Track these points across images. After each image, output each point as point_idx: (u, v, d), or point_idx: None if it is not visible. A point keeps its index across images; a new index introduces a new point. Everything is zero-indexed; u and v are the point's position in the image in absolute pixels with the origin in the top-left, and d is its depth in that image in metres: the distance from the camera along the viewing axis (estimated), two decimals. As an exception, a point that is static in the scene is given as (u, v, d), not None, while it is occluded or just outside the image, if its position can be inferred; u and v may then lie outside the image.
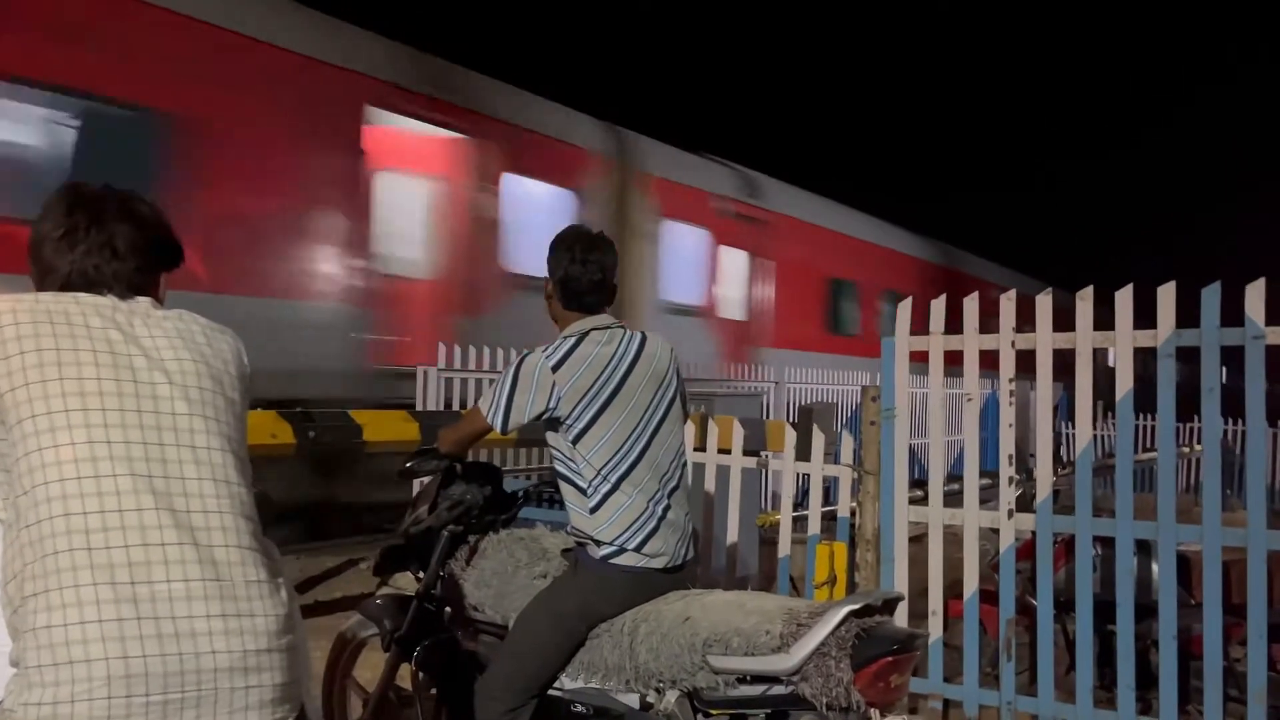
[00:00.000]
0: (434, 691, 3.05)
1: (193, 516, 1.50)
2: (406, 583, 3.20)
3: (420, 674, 3.04)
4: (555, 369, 2.76)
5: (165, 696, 1.40)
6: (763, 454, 5.52)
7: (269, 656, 1.50)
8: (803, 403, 10.70)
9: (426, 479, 3.15)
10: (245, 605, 1.49)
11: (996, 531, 4.33)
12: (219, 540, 1.51)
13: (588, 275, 2.88)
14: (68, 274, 1.65)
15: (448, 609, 3.10)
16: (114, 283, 1.66)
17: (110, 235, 1.67)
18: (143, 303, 1.66)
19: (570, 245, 2.90)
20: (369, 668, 3.31)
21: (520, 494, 3.22)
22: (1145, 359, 4.08)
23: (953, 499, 4.47)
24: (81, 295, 1.62)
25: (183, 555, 1.46)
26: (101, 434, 1.48)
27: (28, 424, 1.47)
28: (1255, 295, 3.76)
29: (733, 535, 4.97)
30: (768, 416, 9.79)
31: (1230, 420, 10.97)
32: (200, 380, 1.61)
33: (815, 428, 4.95)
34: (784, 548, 4.88)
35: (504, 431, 2.85)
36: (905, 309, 4.58)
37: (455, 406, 6.78)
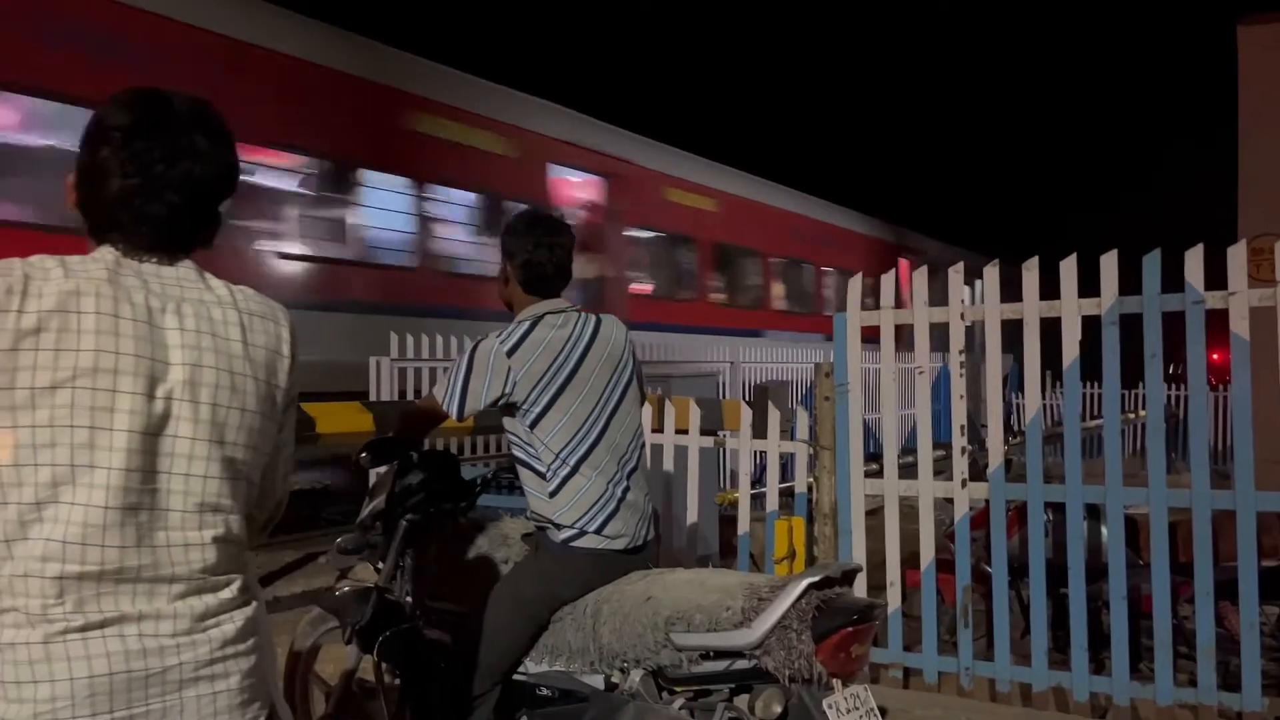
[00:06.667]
0: (397, 682, 3.04)
1: (171, 534, 1.44)
2: (365, 574, 3.18)
3: (383, 665, 3.02)
4: (510, 354, 2.74)
5: (130, 712, 1.37)
6: (720, 433, 5.55)
7: (235, 661, 1.48)
8: (757, 381, 10.76)
9: (383, 469, 3.13)
10: (212, 616, 1.46)
11: (951, 501, 4.40)
12: (185, 558, 1.46)
13: (553, 259, 2.87)
14: (111, 212, 1.43)
15: (408, 599, 3.09)
16: (159, 241, 1.43)
17: (186, 171, 1.42)
18: (180, 277, 1.45)
19: (534, 228, 2.88)
20: (330, 661, 3.29)
21: (478, 481, 3.21)
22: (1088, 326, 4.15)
23: (907, 471, 4.53)
24: (124, 262, 1.42)
25: (151, 574, 1.42)
26: (85, 456, 1.38)
27: (24, 433, 1.37)
28: (1194, 261, 3.84)
29: (693, 515, 5.00)
30: (723, 396, 9.83)
31: (1171, 385, 11.25)
32: (216, 395, 1.46)
33: (770, 405, 4.98)
34: (743, 525, 4.92)
35: (460, 418, 2.83)
36: (855, 285, 4.62)
37: (410, 396, 6.72)
